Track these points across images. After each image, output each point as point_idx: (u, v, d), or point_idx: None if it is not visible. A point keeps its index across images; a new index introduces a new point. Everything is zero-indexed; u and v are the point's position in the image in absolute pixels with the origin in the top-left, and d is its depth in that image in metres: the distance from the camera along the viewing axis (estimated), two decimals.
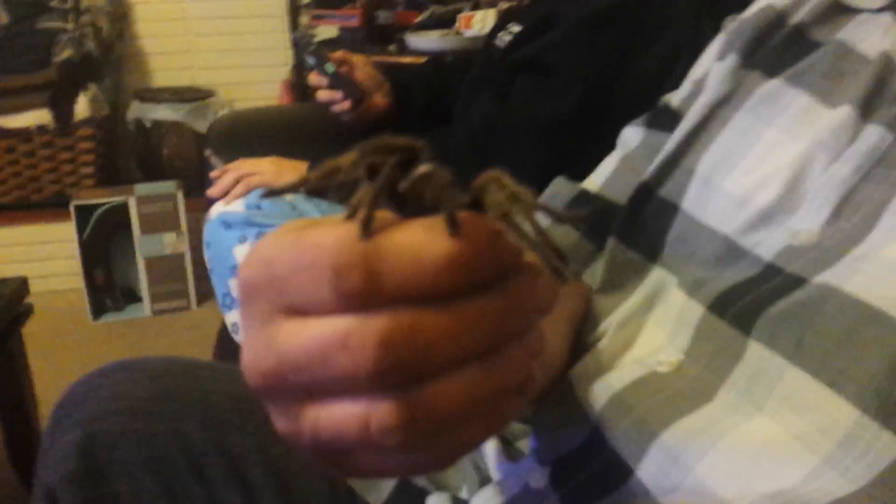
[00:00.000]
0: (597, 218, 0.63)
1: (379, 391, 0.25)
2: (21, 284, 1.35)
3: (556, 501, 0.49)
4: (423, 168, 0.27)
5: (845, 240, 0.45)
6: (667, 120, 0.63)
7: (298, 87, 2.55)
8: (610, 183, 0.65)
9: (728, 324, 0.47)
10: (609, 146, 1.05)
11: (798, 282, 0.45)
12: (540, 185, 1.02)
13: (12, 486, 1.47)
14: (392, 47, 1.92)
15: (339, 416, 0.25)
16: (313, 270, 0.24)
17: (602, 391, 0.51)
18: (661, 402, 0.47)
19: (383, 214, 0.27)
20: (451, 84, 1.44)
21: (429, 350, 0.24)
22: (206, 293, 2.39)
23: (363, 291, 0.24)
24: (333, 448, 0.26)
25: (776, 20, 0.58)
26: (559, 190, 0.67)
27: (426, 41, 1.86)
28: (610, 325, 0.57)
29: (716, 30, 1.07)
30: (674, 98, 0.66)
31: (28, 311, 1.38)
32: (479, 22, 1.93)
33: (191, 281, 2.32)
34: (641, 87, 1.07)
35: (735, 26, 0.62)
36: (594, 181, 0.67)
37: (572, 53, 1.04)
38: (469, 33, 1.95)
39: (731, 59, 0.58)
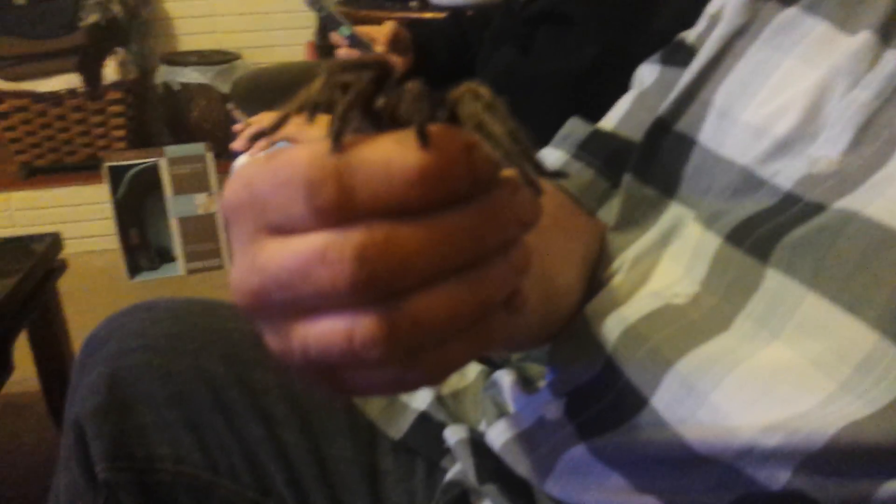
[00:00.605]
0: (612, 155, 0.63)
1: (360, 305, 0.25)
2: (54, 240, 1.38)
3: (571, 432, 0.50)
4: (396, 84, 0.27)
5: (866, 165, 0.44)
6: (682, 56, 0.62)
7: (322, 48, 2.55)
8: (625, 121, 0.65)
9: (745, 253, 0.47)
10: None
11: (817, 208, 0.45)
12: None
13: (52, 437, 1.52)
14: (413, 3, 1.91)
15: (324, 331, 0.25)
16: (289, 187, 0.25)
17: (616, 324, 0.51)
18: (676, 333, 0.47)
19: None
20: (472, 38, 1.43)
21: (405, 263, 0.25)
22: None
23: (336, 205, 0.24)
24: (323, 364, 0.26)
25: None
26: (573, 130, 0.67)
27: None
28: (624, 260, 0.57)
29: None
30: (690, 34, 0.65)
31: (62, 267, 1.41)
32: None
33: (223, 240, 2.35)
34: (663, 36, 1.05)
35: None
36: (610, 120, 0.67)
37: (592, 4, 1.03)
38: None
39: None
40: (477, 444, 0.58)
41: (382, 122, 0.27)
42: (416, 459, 0.65)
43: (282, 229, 0.25)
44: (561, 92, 1.03)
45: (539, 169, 0.26)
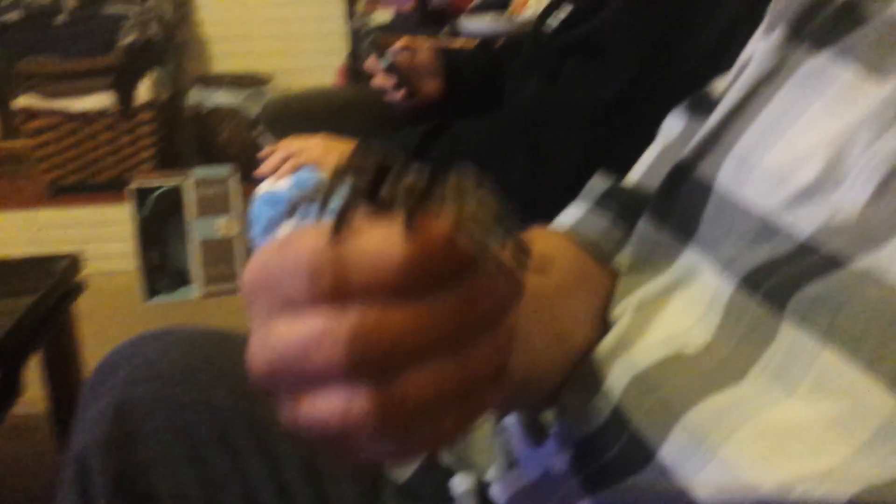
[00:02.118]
0: (628, 205, 0.63)
1: (354, 382, 0.27)
2: (73, 261, 1.38)
3: (576, 486, 0.48)
4: (394, 179, 0.31)
5: (890, 219, 0.42)
6: (708, 106, 0.61)
7: (354, 73, 2.57)
8: (648, 174, 0.64)
9: (759, 303, 0.46)
10: (657, 130, 1.02)
11: (835, 262, 0.43)
12: (586, 168, 0.99)
13: (55, 462, 1.51)
14: (445, 30, 1.91)
15: (325, 406, 0.28)
16: (295, 273, 0.28)
17: (625, 371, 0.50)
18: (687, 383, 0.46)
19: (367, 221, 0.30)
20: (502, 68, 1.43)
21: (394, 344, 0.27)
22: None
23: (333, 291, 0.27)
24: (326, 437, 0.29)
25: None
26: (594, 185, 0.67)
27: (478, 24, 1.85)
28: (629, 304, 0.55)
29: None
30: (718, 86, 0.64)
31: (79, 289, 1.41)
32: (534, 6, 1.91)
33: (241, 265, 2.35)
34: (695, 69, 1.03)
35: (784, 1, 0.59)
36: (634, 174, 0.66)
37: (624, 33, 1.01)
38: (522, 17, 1.93)
39: (779, 32, 0.56)
40: (483, 494, 0.57)
41: (384, 209, 0.31)
42: None
43: (289, 310, 0.28)
44: (588, 122, 1.01)
45: (522, 254, 0.30)
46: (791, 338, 0.43)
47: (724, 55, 1.02)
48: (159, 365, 0.65)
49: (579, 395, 0.52)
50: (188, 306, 2.31)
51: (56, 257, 1.37)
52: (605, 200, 0.64)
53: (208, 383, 0.64)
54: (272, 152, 1.18)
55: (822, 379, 0.40)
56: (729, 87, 0.60)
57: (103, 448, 0.62)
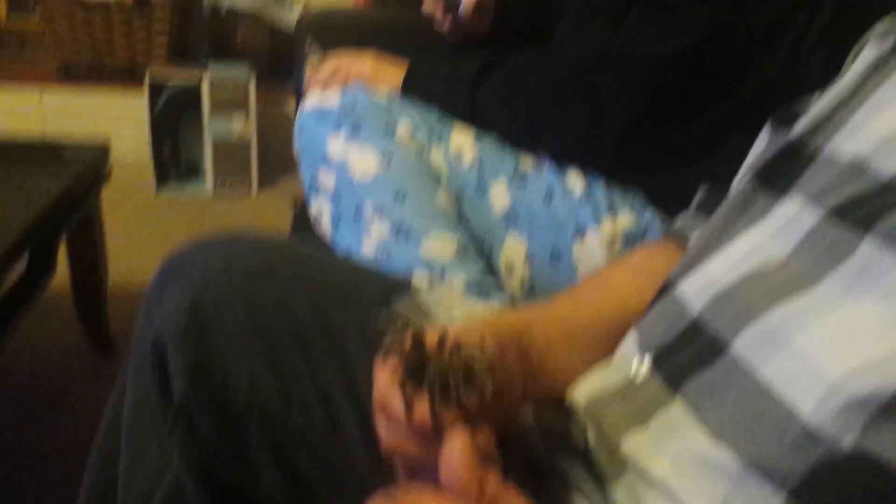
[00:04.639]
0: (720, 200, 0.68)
1: None
2: (103, 148, 1.38)
3: (656, 386, 0.53)
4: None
5: None
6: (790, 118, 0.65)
7: None
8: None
9: (844, 229, 0.49)
10: (718, 90, 1.03)
11: None
12: (644, 121, 1.00)
13: (74, 338, 1.55)
14: None
15: None
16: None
17: (704, 289, 0.54)
18: (764, 293, 0.50)
19: None
20: (549, 5, 1.41)
21: None
22: (267, 181, 2.41)
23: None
24: None
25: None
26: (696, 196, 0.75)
27: None
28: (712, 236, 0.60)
29: None
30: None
31: (108, 175, 1.41)
32: None
33: (254, 168, 2.34)
34: (757, 34, 1.04)
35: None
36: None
37: None
38: None
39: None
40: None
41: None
42: None
43: None
44: (651, 76, 1.01)
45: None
46: (867, 255, 0.46)
47: (789, 24, 1.03)
48: (234, 269, 0.65)
49: (656, 313, 0.57)
50: (199, 203, 2.30)
51: (88, 143, 1.36)
52: (698, 203, 0.72)
53: (283, 288, 0.66)
54: (321, 65, 1.17)
55: (892, 287, 0.44)
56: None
57: (180, 337, 0.63)
